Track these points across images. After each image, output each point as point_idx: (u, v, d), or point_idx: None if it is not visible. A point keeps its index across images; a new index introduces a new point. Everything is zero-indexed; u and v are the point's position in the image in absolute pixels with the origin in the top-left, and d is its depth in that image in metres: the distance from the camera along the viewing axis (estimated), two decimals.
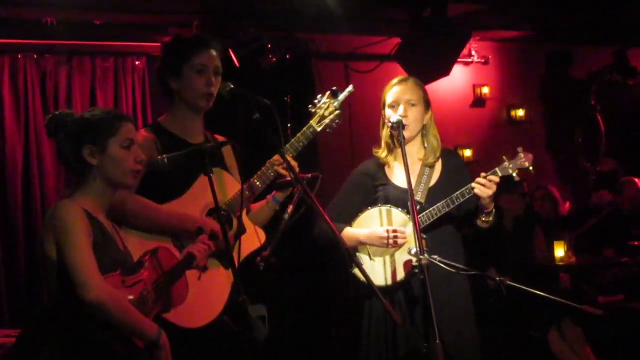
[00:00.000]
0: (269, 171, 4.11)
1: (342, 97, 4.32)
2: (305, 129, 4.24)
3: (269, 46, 7.25)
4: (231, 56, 6.67)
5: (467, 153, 8.84)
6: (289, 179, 4.00)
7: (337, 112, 4.28)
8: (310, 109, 4.31)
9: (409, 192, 4.06)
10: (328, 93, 4.31)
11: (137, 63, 7.30)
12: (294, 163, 4.10)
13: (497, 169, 4.32)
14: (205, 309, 3.89)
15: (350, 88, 4.37)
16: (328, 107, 4.28)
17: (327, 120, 4.26)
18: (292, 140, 4.20)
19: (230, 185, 4.09)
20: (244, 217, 4.15)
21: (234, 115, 4.86)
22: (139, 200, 3.89)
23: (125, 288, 3.32)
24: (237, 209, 4.03)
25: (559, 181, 9.04)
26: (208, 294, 3.90)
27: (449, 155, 4.69)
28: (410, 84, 4.57)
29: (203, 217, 3.94)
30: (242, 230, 4.07)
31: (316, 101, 4.31)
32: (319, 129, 4.25)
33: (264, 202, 4.26)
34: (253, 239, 4.13)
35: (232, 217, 4.04)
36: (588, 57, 9.65)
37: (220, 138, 4.36)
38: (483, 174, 4.30)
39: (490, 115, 9.22)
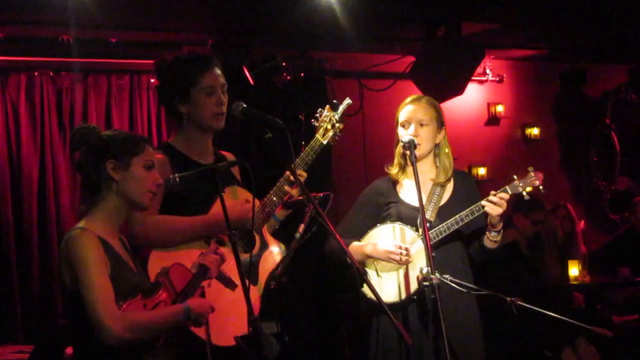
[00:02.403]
0: (284, 186, 4.12)
1: (341, 109, 4.35)
2: (312, 142, 4.27)
3: (283, 64, 7.27)
4: (245, 74, 6.70)
5: (482, 171, 8.83)
6: (300, 197, 4.02)
7: (337, 124, 4.31)
8: (313, 123, 4.34)
9: (420, 210, 4.07)
10: (327, 106, 4.35)
11: (152, 81, 7.31)
12: (303, 174, 4.13)
13: (507, 187, 4.32)
14: (234, 328, 3.87)
15: (348, 100, 4.41)
16: (329, 119, 4.31)
17: (330, 133, 4.29)
18: (302, 154, 4.23)
19: (249, 202, 4.10)
20: (266, 233, 4.17)
21: (247, 134, 4.88)
22: (164, 219, 3.93)
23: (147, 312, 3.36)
24: (258, 225, 4.06)
25: (573, 200, 9.01)
26: (236, 312, 3.88)
27: (461, 176, 4.68)
28: (423, 103, 4.56)
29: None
30: (264, 245, 4.10)
31: (317, 115, 4.34)
32: (325, 142, 4.28)
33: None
34: (275, 254, 4.16)
35: (253, 234, 4.05)
36: (603, 75, 9.64)
37: (230, 155, 4.38)
38: (493, 192, 4.30)
39: (505, 133, 9.21)
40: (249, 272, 3.65)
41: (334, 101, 4.35)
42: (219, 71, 4.13)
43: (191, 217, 3.96)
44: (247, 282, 3.40)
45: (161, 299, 3.41)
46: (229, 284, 3.80)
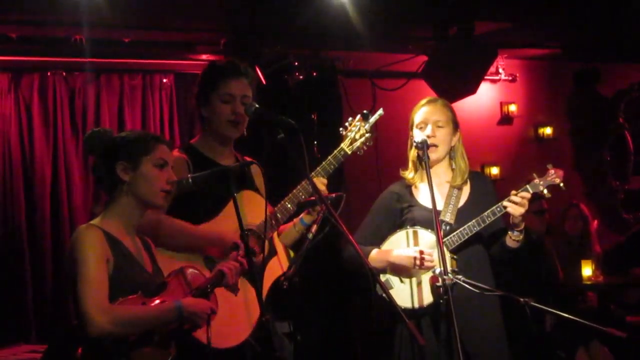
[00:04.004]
0: (300, 193, 4.13)
1: (372, 120, 4.35)
2: (336, 151, 4.26)
3: (296, 64, 7.27)
4: (258, 74, 6.70)
5: (494, 171, 8.80)
6: (312, 198, 4.02)
7: (368, 135, 4.30)
8: (341, 132, 4.33)
9: (433, 211, 4.06)
10: (358, 116, 4.33)
11: (164, 80, 7.34)
12: (324, 181, 4.12)
13: (527, 186, 4.32)
14: (235, 330, 3.88)
15: (380, 111, 4.39)
16: (359, 129, 4.30)
17: (357, 143, 4.29)
18: (323, 163, 4.23)
19: (263, 207, 4.09)
20: (275, 239, 4.17)
21: (259, 136, 4.87)
22: (175, 222, 3.94)
23: None
24: (267, 230, 4.06)
25: (587, 199, 8.97)
26: (238, 314, 3.90)
27: (477, 177, 4.68)
28: (439, 105, 4.57)
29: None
30: (272, 251, 4.10)
31: (347, 124, 4.34)
32: (350, 152, 4.28)
33: (290, 224, 4.27)
34: (283, 261, 4.15)
35: (263, 239, 4.04)
36: (616, 74, 9.59)
37: (250, 160, 4.39)
38: (514, 192, 4.28)
39: (518, 132, 9.18)
40: (254, 276, 3.65)
41: (365, 111, 4.35)
42: (245, 81, 4.17)
43: (196, 226, 3.97)
44: (258, 284, 3.40)
45: (163, 299, 3.40)
46: (231, 287, 3.80)
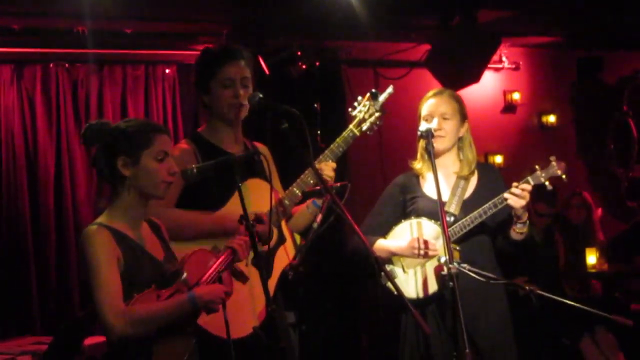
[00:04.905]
0: (308, 178, 4.11)
1: (382, 98, 4.31)
2: (344, 133, 4.23)
3: (299, 54, 7.25)
4: (261, 64, 6.69)
5: (498, 159, 8.78)
6: (317, 187, 4.01)
7: (377, 114, 4.27)
8: (350, 112, 4.30)
9: (438, 200, 4.05)
10: (367, 95, 4.30)
11: (167, 71, 7.33)
12: (333, 165, 4.11)
13: (529, 178, 4.28)
14: (243, 320, 3.87)
15: (390, 89, 4.35)
16: (368, 109, 4.26)
17: (367, 123, 4.25)
18: (331, 145, 4.20)
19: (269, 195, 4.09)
20: (284, 227, 4.16)
21: (262, 125, 4.87)
22: (178, 213, 3.95)
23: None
24: (275, 218, 4.04)
25: (590, 187, 8.96)
26: (247, 305, 3.90)
27: (485, 169, 4.66)
28: (445, 97, 4.54)
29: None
30: (282, 239, 4.09)
31: (356, 104, 4.30)
32: (359, 133, 4.24)
33: (303, 207, 4.25)
34: (290, 250, 4.15)
35: (271, 227, 4.01)
36: (619, 62, 9.55)
37: (260, 145, 4.38)
38: (515, 183, 4.26)
39: (521, 121, 9.16)
40: (265, 264, 3.65)
41: (374, 90, 4.31)
42: (242, 64, 4.15)
43: (201, 212, 3.97)
44: (264, 274, 3.40)
45: (177, 287, 3.40)
46: (240, 277, 3.80)
